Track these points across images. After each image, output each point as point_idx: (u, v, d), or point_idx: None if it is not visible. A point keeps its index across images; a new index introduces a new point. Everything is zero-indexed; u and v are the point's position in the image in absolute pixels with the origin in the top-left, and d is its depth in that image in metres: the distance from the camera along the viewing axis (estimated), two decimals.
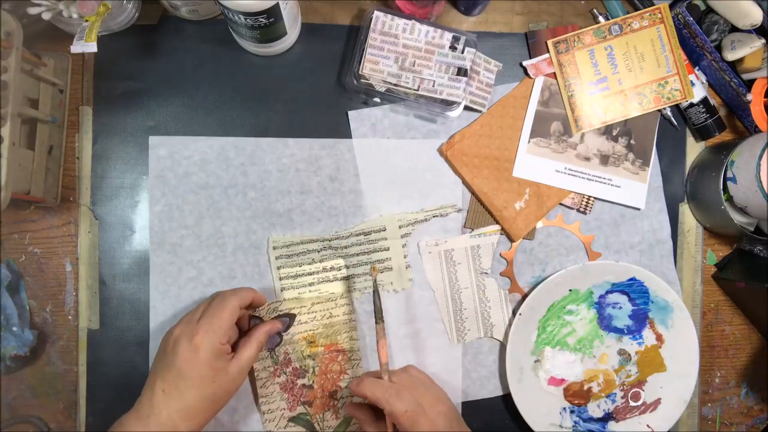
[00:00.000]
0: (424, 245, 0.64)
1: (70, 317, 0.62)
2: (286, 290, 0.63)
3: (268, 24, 0.55)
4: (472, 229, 0.65)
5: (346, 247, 0.63)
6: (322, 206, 0.64)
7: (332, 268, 0.63)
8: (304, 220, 0.63)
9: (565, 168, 0.65)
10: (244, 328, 0.59)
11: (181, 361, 0.50)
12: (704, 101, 0.66)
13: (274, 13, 0.54)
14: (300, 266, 0.63)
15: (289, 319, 0.61)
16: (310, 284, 0.63)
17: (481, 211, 0.65)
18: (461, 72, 0.61)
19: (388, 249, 0.64)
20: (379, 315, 0.56)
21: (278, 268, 0.63)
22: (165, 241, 0.62)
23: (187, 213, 0.62)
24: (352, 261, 0.64)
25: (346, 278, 0.64)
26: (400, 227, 0.64)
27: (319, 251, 0.63)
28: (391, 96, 0.62)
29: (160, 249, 0.62)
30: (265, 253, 0.63)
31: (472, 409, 0.65)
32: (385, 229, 0.64)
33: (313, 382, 0.62)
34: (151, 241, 0.62)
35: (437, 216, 0.65)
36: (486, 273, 0.65)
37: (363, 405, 0.57)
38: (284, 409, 0.62)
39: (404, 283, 0.64)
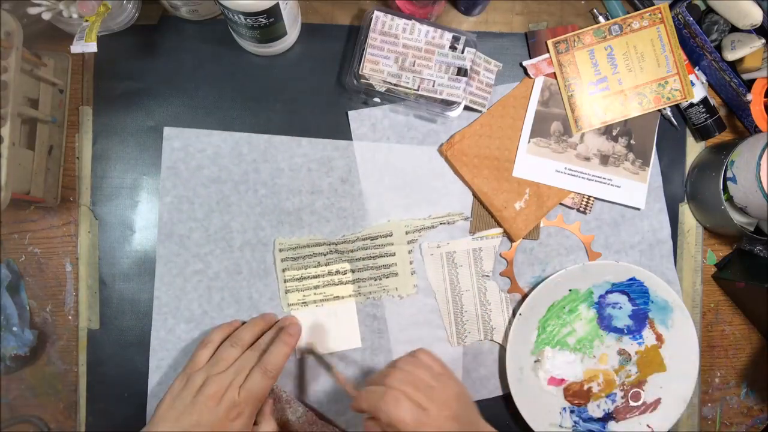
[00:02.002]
0: (426, 247, 0.64)
1: (70, 317, 0.62)
2: (291, 292, 0.63)
3: (268, 24, 0.55)
4: (474, 233, 0.65)
5: (352, 251, 0.63)
6: (332, 207, 0.64)
7: (337, 272, 0.63)
8: (313, 220, 0.63)
9: (565, 168, 0.65)
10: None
11: None
12: (704, 101, 0.66)
13: (274, 13, 0.54)
14: (305, 269, 0.63)
15: None
16: (315, 287, 0.63)
17: (484, 215, 0.65)
18: (461, 72, 0.61)
19: (394, 254, 0.64)
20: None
21: (283, 270, 0.63)
22: (173, 232, 0.62)
23: (197, 206, 0.62)
24: (357, 265, 0.64)
25: (352, 282, 0.64)
26: (406, 233, 0.64)
27: (325, 254, 0.63)
28: (391, 96, 0.62)
29: (168, 240, 0.62)
30: (272, 251, 0.63)
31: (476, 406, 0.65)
32: (391, 235, 0.64)
33: None
34: (159, 231, 0.62)
35: (444, 223, 0.65)
36: (487, 276, 0.65)
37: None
38: None
39: (409, 289, 0.64)
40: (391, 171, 0.64)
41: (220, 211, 0.63)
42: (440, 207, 0.65)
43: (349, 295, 0.64)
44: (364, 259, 0.64)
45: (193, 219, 0.62)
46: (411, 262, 0.64)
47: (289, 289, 0.63)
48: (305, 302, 0.63)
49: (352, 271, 0.64)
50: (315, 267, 0.63)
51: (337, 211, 0.64)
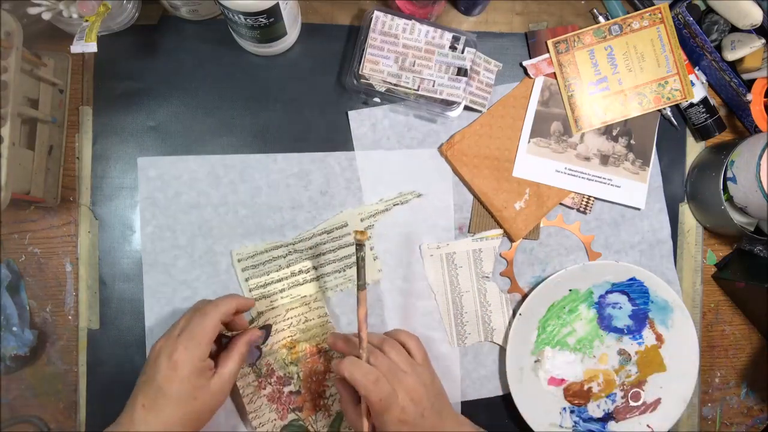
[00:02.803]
0: (426, 248, 0.64)
1: (70, 317, 0.62)
2: (258, 301, 0.62)
3: (268, 24, 0.55)
4: (474, 233, 0.65)
5: (310, 248, 0.63)
6: (314, 220, 0.63)
7: (300, 272, 0.63)
8: (296, 234, 0.63)
9: (565, 168, 0.65)
10: (234, 330, 0.58)
11: (161, 377, 0.49)
12: (704, 101, 0.66)
13: (274, 13, 0.54)
14: (268, 274, 0.62)
15: (266, 330, 0.60)
16: (281, 291, 0.63)
17: (484, 215, 0.65)
18: (461, 72, 0.61)
19: (353, 243, 0.63)
20: (361, 282, 0.54)
21: (246, 279, 0.62)
22: (157, 261, 0.61)
23: (178, 233, 0.62)
24: (319, 261, 0.63)
25: (317, 279, 0.63)
26: (361, 220, 0.64)
27: (285, 257, 0.63)
28: (391, 96, 0.62)
29: (153, 270, 0.61)
30: (230, 262, 0.62)
31: (472, 409, 0.65)
32: (346, 225, 0.63)
33: (299, 387, 0.62)
34: (144, 262, 0.61)
35: (397, 204, 0.64)
36: (487, 277, 0.65)
37: (347, 383, 0.54)
38: (275, 419, 0.61)
39: (374, 274, 0.64)
40: (384, 177, 0.64)
41: (202, 236, 0.62)
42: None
43: (316, 292, 0.63)
44: (324, 253, 0.63)
45: (177, 246, 0.62)
46: (372, 248, 0.64)
47: (256, 297, 0.62)
48: (273, 308, 0.63)
49: (315, 268, 0.63)
50: (277, 271, 0.63)
51: (319, 224, 0.63)
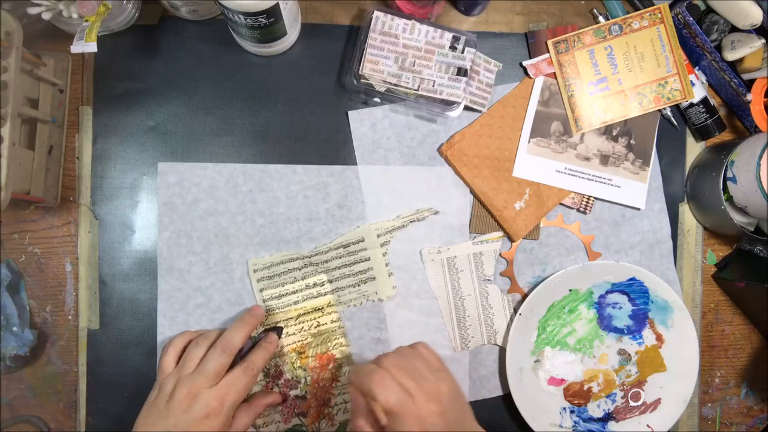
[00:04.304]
0: (427, 253, 0.64)
1: (70, 317, 0.62)
2: (272, 311, 0.63)
3: (268, 24, 0.55)
4: (473, 233, 0.65)
5: (326, 262, 0.63)
6: (330, 233, 0.63)
7: (315, 284, 0.63)
8: (312, 247, 0.63)
9: (565, 168, 0.65)
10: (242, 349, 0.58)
11: None
12: (704, 101, 0.66)
13: (274, 13, 0.54)
14: (283, 286, 0.62)
15: (277, 332, 0.60)
16: (295, 302, 0.63)
17: (484, 215, 0.65)
18: (461, 72, 0.61)
19: (368, 259, 0.64)
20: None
21: (261, 290, 0.62)
22: (173, 267, 0.62)
23: (195, 239, 0.62)
24: (334, 275, 0.63)
25: (331, 293, 0.63)
26: (378, 236, 0.64)
27: (300, 269, 0.63)
28: (391, 96, 0.62)
29: (169, 275, 0.62)
30: (246, 272, 0.63)
31: (472, 409, 0.65)
32: (363, 240, 0.63)
33: (306, 392, 0.62)
34: (160, 267, 0.62)
35: (414, 221, 0.64)
36: (489, 280, 0.65)
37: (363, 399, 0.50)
38: (279, 422, 0.62)
39: (388, 291, 0.64)
40: (388, 193, 0.64)
41: (218, 244, 0.62)
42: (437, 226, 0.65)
43: (329, 305, 0.63)
44: (339, 267, 0.63)
45: (193, 253, 0.62)
46: (387, 264, 0.64)
47: (270, 307, 0.62)
48: (287, 319, 0.63)
49: (330, 282, 0.63)
50: (292, 283, 0.63)
51: (335, 237, 0.64)
